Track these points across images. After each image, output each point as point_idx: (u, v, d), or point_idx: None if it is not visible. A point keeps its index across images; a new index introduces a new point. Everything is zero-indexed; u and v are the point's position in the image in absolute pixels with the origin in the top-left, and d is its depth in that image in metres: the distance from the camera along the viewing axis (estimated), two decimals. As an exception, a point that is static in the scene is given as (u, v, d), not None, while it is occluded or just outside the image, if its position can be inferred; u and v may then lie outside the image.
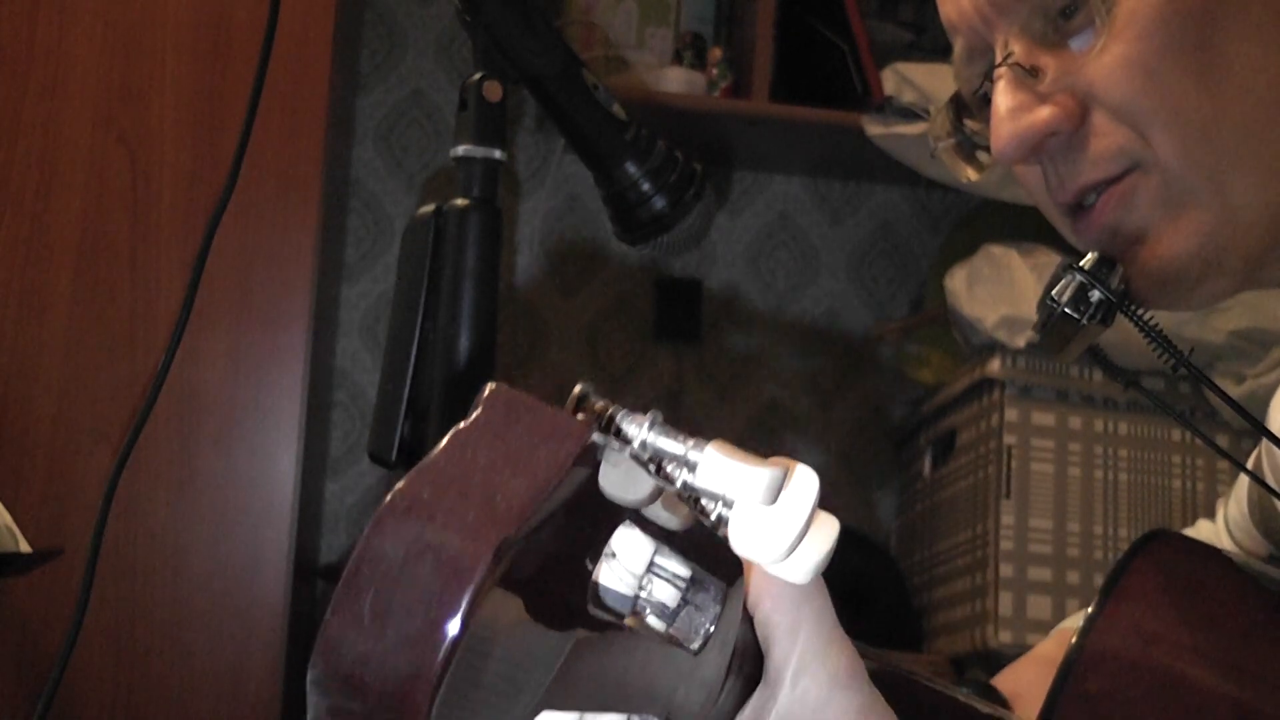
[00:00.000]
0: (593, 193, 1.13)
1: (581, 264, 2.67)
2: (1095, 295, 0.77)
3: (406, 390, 1.03)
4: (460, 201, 1.04)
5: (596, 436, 0.46)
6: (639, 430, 0.50)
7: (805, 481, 0.51)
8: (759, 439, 2.69)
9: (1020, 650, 1.07)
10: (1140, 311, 0.78)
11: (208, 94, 1.87)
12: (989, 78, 0.81)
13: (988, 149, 0.83)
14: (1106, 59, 0.77)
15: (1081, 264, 0.78)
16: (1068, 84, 0.78)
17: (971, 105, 0.86)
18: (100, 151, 1.85)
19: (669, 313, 2.68)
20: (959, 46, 0.84)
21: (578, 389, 0.51)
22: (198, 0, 1.89)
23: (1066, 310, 0.77)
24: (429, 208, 1.05)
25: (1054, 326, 0.78)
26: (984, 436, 2.35)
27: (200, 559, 1.82)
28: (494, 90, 1.04)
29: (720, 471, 0.49)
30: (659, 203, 1.06)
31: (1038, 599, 2.25)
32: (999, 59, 0.80)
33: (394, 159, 2.60)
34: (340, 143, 2.34)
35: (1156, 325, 0.78)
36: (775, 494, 0.50)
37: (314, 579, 2.32)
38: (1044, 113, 0.77)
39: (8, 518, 1.43)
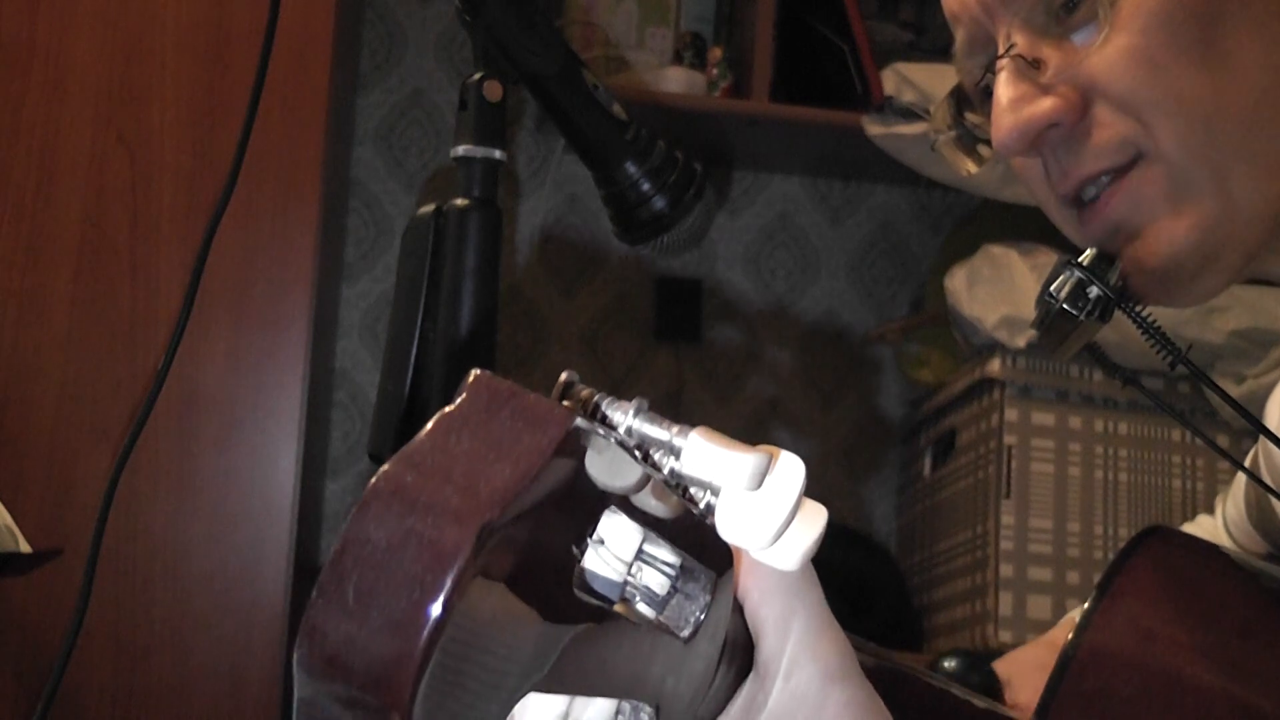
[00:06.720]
0: (593, 193, 1.13)
1: (581, 264, 2.67)
2: (1093, 291, 0.77)
3: (406, 390, 1.03)
4: (460, 201, 1.04)
5: (581, 423, 0.46)
6: (624, 417, 0.50)
7: (791, 467, 0.52)
8: (759, 439, 2.68)
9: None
10: (1139, 308, 0.78)
11: (208, 94, 1.87)
12: (990, 69, 0.81)
13: (988, 142, 0.83)
14: (1109, 51, 0.77)
15: (1080, 260, 0.78)
16: (1070, 76, 0.78)
17: (973, 98, 0.86)
18: (100, 151, 1.84)
19: (669, 313, 2.68)
20: (960, 37, 0.84)
21: (564, 376, 0.51)
22: (198, 0, 1.89)
23: (1065, 306, 0.77)
24: (429, 208, 1.05)
25: (1052, 323, 0.78)
26: (984, 436, 2.35)
27: (200, 559, 1.82)
28: (494, 90, 1.04)
29: (705, 457, 0.50)
30: (659, 203, 1.06)
31: (1038, 599, 2.25)
32: (1001, 50, 0.80)
33: (394, 159, 2.60)
34: (340, 143, 2.33)
35: (1155, 322, 0.78)
36: (760, 479, 0.50)
37: (314, 579, 2.31)
38: (1046, 104, 0.77)
39: (8, 518, 1.43)
